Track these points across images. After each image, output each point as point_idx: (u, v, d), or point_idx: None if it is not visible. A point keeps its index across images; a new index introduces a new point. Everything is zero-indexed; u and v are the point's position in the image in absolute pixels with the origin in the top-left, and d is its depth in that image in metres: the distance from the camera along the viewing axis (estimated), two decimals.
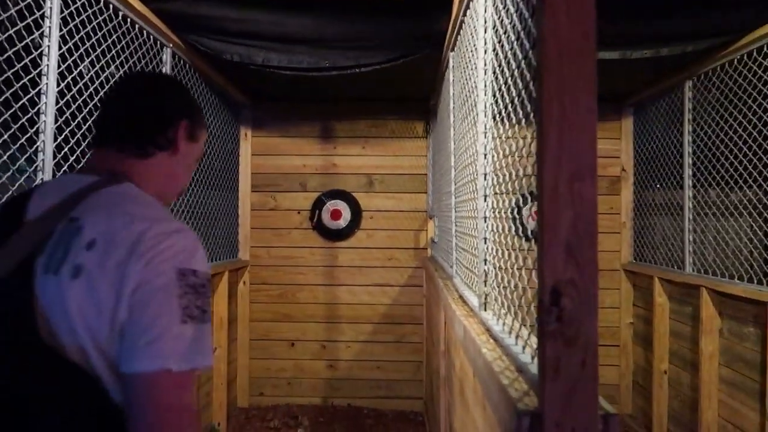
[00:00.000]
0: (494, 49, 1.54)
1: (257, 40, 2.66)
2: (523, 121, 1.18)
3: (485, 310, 1.65)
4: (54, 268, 0.87)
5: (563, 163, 0.85)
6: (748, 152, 2.70)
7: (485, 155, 1.66)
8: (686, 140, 3.22)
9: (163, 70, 2.73)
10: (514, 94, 1.25)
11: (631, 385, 3.97)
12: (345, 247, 4.21)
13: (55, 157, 1.86)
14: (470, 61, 1.98)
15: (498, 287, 1.47)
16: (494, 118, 1.57)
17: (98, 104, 2.14)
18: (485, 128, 1.66)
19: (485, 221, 1.66)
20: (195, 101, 1.19)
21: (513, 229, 1.36)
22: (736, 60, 2.75)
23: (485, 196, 1.66)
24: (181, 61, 2.91)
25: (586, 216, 0.84)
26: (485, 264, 1.65)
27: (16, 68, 1.69)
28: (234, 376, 4.08)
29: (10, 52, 1.67)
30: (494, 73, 1.54)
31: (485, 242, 1.66)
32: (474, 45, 1.84)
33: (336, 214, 4.18)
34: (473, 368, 1.41)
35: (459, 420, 1.86)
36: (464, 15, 2.10)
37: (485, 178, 1.66)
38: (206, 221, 3.51)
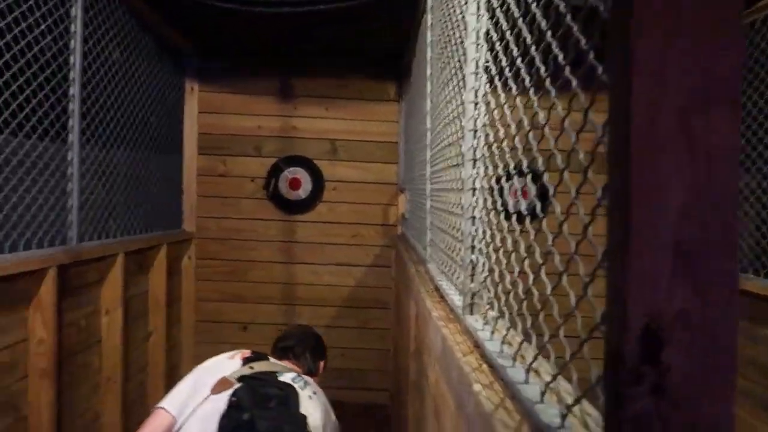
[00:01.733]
0: None
1: None
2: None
3: (471, 313, 1.22)
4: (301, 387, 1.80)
5: (671, 77, 0.41)
6: None
7: (476, 104, 1.22)
8: None
9: None
10: None
11: None
12: (305, 220, 3.75)
13: None
14: None
15: (494, 287, 1.05)
16: (491, 50, 1.13)
17: None
18: (476, 67, 1.22)
19: (473, 194, 1.22)
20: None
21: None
22: None
23: (474, 160, 1.23)
24: None
25: (719, 183, 0.41)
26: (473, 252, 1.22)
27: None
28: (176, 362, 3.62)
29: None
30: None
31: (473, 222, 1.22)
32: None
33: (295, 184, 3.71)
34: (456, 404, 0.99)
35: None
36: None
37: (475, 136, 1.22)
38: (142, 185, 3.00)
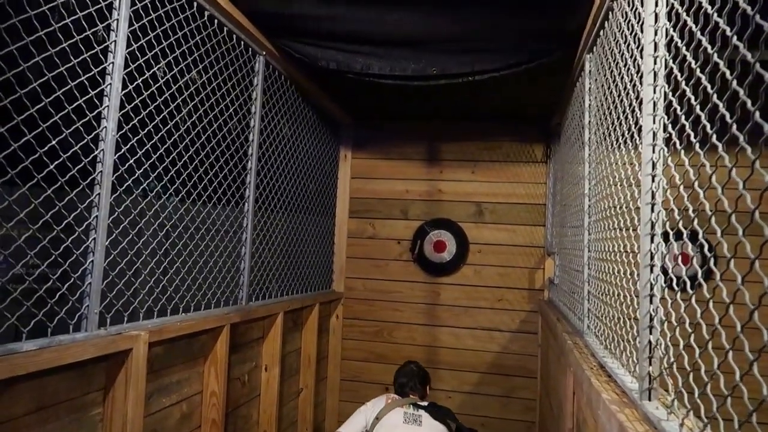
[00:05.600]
0: (673, 30, 1.06)
1: (356, 44, 2.32)
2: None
3: (649, 399, 1.13)
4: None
5: None
6: None
7: (653, 177, 1.17)
8: None
9: (255, 81, 2.47)
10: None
11: None
12: (449, 283, 3.75)
13: (116, 169, 1.60)
14: (623, 56, 1.50)
15: (683, 376, 0.97)
16: (674, 124, 1.08)
17: (176, 111, 1.88)
18: (653, 138, 1.17)
19: (651, 270, 1.16)
20: None
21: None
22: None
23: (652, 235, 1.16)
24: (276, 72, 2.65)
25: None
26: (651, 332, 1.14)
27: (72, 63, 1.44)
28: (322, 419, 3.72)
29: (65, 45, 1.42)
30: (675, 65, 1.06)
31: (651, 301, 1.15)
32: (632, 32, 1.37)
33: (440, 246, 3.75)
34: None
35: None
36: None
37: (653, 209, 1.17)
38: (299, 248, 3.21)
